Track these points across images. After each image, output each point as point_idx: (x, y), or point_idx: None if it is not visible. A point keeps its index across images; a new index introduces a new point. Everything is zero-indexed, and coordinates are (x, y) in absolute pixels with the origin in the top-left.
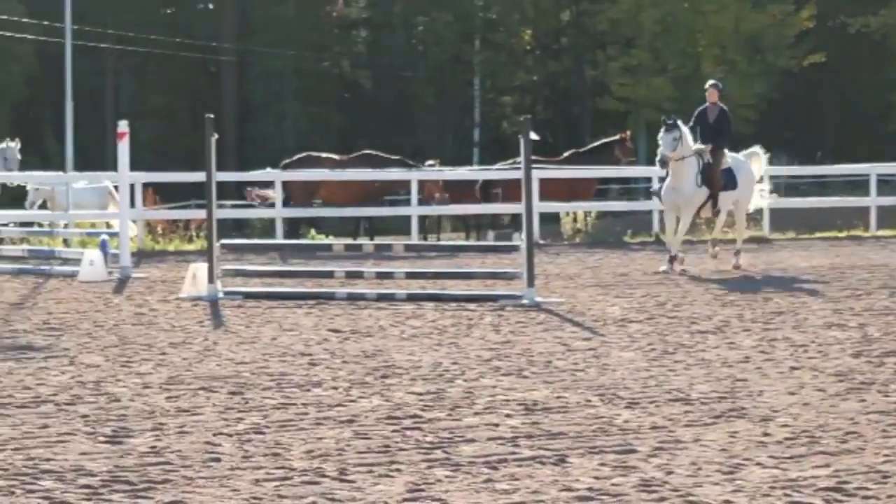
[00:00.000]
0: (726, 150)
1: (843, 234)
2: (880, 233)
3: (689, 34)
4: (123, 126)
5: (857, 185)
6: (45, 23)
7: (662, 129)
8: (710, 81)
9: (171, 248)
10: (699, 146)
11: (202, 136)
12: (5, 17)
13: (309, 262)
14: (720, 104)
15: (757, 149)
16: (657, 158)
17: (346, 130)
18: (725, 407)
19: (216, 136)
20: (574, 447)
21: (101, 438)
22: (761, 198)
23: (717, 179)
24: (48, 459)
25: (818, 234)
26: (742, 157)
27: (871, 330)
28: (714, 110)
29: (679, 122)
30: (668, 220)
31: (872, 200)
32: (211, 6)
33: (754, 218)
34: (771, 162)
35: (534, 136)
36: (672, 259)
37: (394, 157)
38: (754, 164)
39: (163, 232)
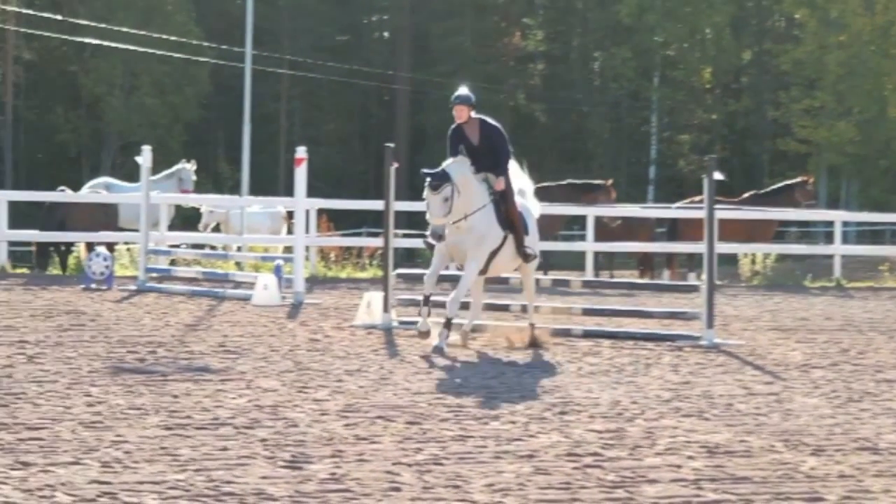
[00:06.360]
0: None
1: None
2: None
3: (875, 77)
4: (302, 152)
5: None
6: (224, 46)
7: (426, 189)
8: (458, 93)
9: (343, 275)
10: (489, 176)
11: (373, 164)
12: (184, 39)
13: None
14: (481, 117)
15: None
16: (428, 232)
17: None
18: None
19: (396, 164)
20: (759, 492)
21: (281, 463)
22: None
23: (516, 215)
24: (229, 482)
25: None
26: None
27: None
28: (473, 128)
29: (448, 172)
30: (437, 259)
31: None
32: (386, 35)
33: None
34: None
35: (719, 176)
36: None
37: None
38: (530, 200)
39: (336, 259)
